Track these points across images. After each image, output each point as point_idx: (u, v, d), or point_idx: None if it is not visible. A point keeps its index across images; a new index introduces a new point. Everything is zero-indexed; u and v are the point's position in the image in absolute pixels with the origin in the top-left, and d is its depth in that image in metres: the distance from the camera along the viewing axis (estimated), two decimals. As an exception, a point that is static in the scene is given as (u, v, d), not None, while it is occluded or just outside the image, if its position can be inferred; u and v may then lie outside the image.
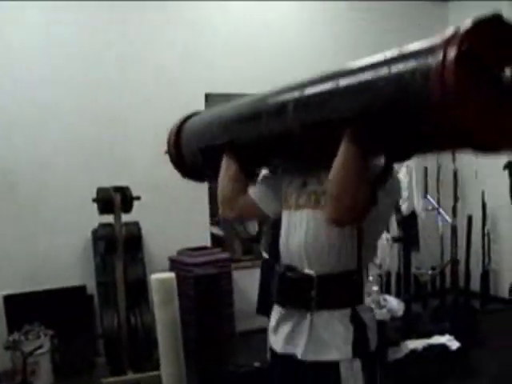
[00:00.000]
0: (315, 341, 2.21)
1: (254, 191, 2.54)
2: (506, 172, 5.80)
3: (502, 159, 6.01)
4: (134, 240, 5.07)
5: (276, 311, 2.39)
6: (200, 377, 4.02)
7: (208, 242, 6.00)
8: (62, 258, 5.46)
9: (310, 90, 2.10)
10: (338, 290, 2.22)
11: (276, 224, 4.40)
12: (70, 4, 5.49)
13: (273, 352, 2.40)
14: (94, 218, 5.04)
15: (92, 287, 5.48)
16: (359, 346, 2.19)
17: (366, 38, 6.79)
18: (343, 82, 1.94)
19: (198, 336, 4.58)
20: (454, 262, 6.81)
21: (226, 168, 2.55)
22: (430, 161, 7.00)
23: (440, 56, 1.56)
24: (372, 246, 2.34)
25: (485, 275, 6.89)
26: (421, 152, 2.01)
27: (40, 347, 4.75)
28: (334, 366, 2.18)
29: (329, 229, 2.17)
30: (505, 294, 6.77)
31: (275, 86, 2.38)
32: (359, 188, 1.94)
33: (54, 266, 5.42)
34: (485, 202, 6.74)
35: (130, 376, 4.76)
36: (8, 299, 5.18)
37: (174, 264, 5.45)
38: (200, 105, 5.98)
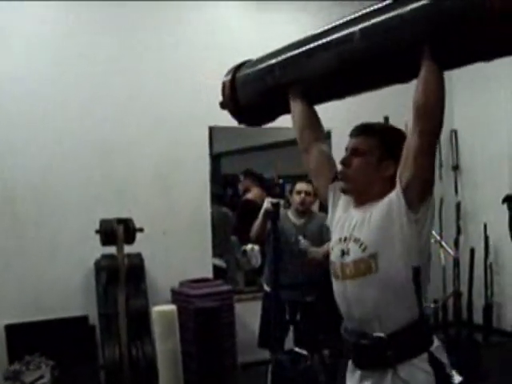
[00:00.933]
0: None
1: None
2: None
3: (504, 191, 6.02)
4: (136, 271, 5.10)
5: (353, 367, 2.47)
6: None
7: (210, 274, 6.00)
8: (64, 288, 5.45)
9: (377, 19, 2.25)
10: (411, 341, 2.30)
11: (276, 257, 4.45)
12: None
13: None
14: (97, 249, 5.05)
15: (94, 318, 5.46)
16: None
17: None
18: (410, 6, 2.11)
19: (199, 368, 4.57)
20: (457, 294, 6.81)
21: (293, 111, 2.70)
22: (432, 193, 7.02)
23: None
24: (427, 281, 2.39)
25: (488, 308, 6.86)
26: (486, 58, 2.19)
27: (40, 378, 4.74)
28: None
29: (387, 289, 2.28)
30: (508, 326, 6.74)
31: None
32: (442, 100, 2.13)
33: (56, 296, 5.41)
34: (487, 235, 6.74)
35: (131, 408, 4.76)
36: (9, 328, 5.17)
37: (176, 296, 5.45)
38: (204, 138, 6.03)
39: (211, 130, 6.12)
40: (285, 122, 6.33)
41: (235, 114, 3.07)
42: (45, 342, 5.12)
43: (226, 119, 5.96)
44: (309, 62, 2.56)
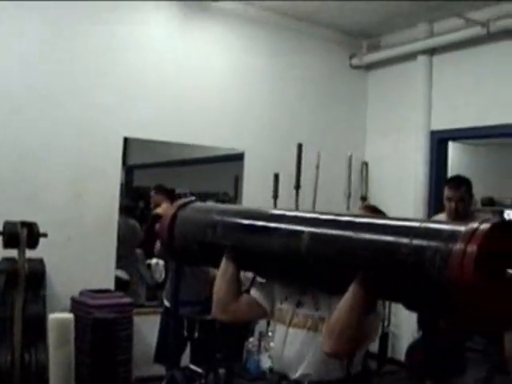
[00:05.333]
0: None
1: (252, 291, 2.76)
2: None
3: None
4: (36, 276, 5.01)
5: None
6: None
7: (112, 285, 5.95)
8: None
9: (328, 230, 2.39)
10: None
11: (178, 273, 4.45)
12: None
13: None
14: (-1, 252, 4.97)
15: (-10, 322, 5.33)
16: None
17: (287, 97, 6.99)
18: (364, 234, 2.22)
19: (93, 379, 4.52)
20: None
21: (224, 271, 2.71)
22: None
23: (462, 247, 1.87)
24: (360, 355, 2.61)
25: (383, 337, 7.02)
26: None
27: None
28: None
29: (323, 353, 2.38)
30: (402, 356, 6.90)
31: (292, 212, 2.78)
32: (360, 327, 2.19)
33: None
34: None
35: (20, 416, 4.66)
36: None
37: (75, 304, 5.39)
38: (118, 148, 6.00)
39: (126, 140, 6.10)
40: (199, 139, 6.42)
41: (168, 247, 3.13)
42: None
43: (142, 131, 6.04)
44: (251, 239, 2.67)
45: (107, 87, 5.92)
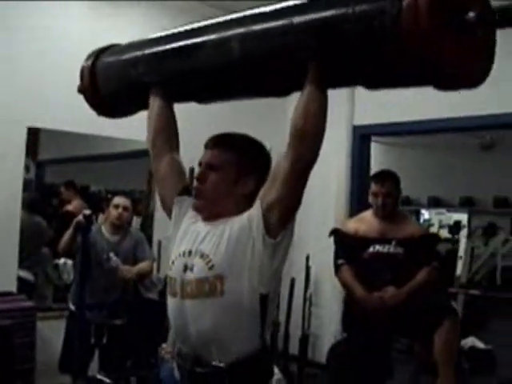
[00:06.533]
0: None
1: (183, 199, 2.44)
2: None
3: (328, 224, 6.03)
4: None
5: None
6: None
7: (14, 287, 5.53)
8: None
9: (262, 24, 2.13)
10: (251, 372, 2.19)
11: (84, 274, 4.16)
12: None
13: None
14: None
15: None
16: None
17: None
18: (299, 18, 1.99)
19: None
20: (275, 324, 6.76)
21: (151, 107, 2.59)
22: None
23: None
24: (273, 310, 2.31)
25: (304, 339, 6.86)
26: (384, 86, 2.12)
27: None
28: None
29: (230, 316, 2.13)
30: (322, 358, 6.75)
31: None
32: (323, 126, 2.09)
33: None
34: (309, 266, 6.74)
35: None
36: None
37: (-29, 309, 4.99)
38: (21, 140, 5.57)
39: (35, 132, 5.70)
40: (122, 133, 6.02)
41: (92, 102, 2.89)
42: None
43: (50, 121, 5.62)
44: (177, 63, 2.45)
45: (8, 73, 5.49)
